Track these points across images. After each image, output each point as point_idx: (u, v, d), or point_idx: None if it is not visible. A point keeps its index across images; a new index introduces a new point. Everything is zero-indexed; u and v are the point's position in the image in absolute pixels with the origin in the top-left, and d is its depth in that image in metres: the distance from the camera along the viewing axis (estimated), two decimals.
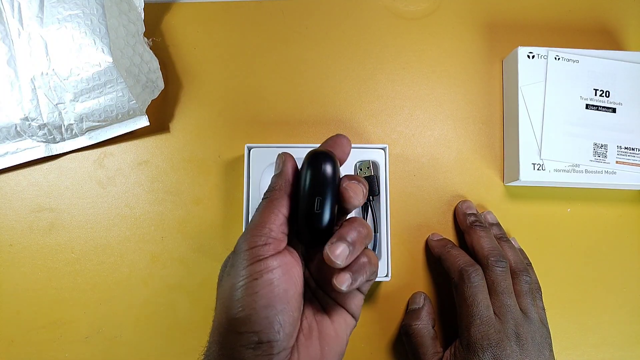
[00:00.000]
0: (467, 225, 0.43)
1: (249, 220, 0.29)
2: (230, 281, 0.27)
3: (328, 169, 0.28)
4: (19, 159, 0.45)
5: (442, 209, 0.46)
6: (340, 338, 0.29)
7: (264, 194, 0.29)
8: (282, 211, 0.28)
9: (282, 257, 0.27)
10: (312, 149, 0.29)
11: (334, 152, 0.29)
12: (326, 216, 0.27)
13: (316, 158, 0.28)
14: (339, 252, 0.26)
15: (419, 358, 0.39)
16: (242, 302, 0.26)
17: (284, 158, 0.30)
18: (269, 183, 0.30)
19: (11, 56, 0.40)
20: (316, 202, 0.27)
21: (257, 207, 0.29)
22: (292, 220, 0.29)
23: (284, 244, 0.28)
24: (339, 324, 0.30)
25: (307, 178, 0.28)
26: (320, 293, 0.31)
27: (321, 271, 0.31)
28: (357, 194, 0.28)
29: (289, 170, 0.29)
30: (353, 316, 0.31)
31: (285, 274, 0.27)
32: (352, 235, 0.27)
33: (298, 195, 0.28)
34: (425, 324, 0.41)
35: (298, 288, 0.28)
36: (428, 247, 0.45)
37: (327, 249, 0.27)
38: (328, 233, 0.28)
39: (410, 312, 0.42)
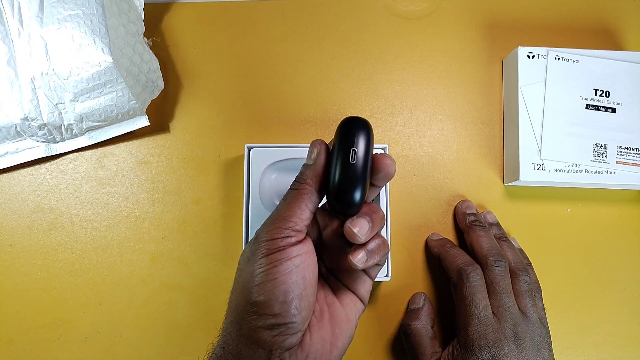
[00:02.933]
0: (466, 224, 0.43)
1: (274, 211, 0.30)
2: (250, 267, 0.28)
3: (364, 130, 0.28)
4: (19, 159, 0.45)
5: (442, 209, 0.46)
6: (350, 321, 0.31)
7: (294, 183, 0.30)
8: (309, 206, 0.29)
9: (301, 245, 0.28)
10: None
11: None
12: (360, 169, 0.27)
13: (352, 121, 0.28)
14: (360, 227, 0.28)
15: (418, 358, 0.39)
16: (261, 288, 0.27)
17: (319, 148, 0.29)
18: (300, 169, 0.30)
19: (11, 56, 0.40)
20: (351, 153, 0.27)
21: (284, 195, 0.29)
22: (323, 188, 0.29)
23: (304, 234, 0.29)
24: (349, 307, 0.31)
25: (343, 136, 0.28)
26: (331, 278, 0.32)
27: (334, 257, 0.32)
28: (393, 163, 0.29)
29: (322, 163, 0.29)
30: (362, 301, 0.32)
31: (303, 261, 0.28)
32: (371, 215, 0.28)
33: (331, 160, 0.28)
34: (424, 324, 0.41)
35: (314, 274, 0.29)
36: (428, 247, 0.45)
37: (348, 223, 0.28)
38: (361, 191, 0.28)
39: (409, 312, 0.42)
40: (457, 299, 0.39)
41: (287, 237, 0.28)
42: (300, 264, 0.28)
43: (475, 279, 0.38)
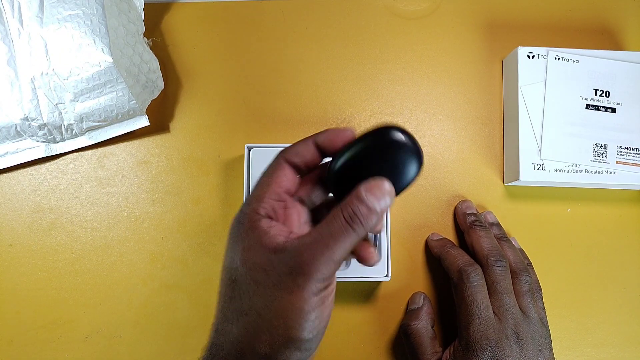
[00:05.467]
0: (467, 225, 0.43)
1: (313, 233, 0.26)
2: (297, 303, 0.25)
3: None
4: (19, 159, 0.45)
5: (442, 209, 0.46)
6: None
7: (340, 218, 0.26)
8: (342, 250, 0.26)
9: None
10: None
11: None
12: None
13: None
14: (375, 256, 0.28)
15: (418, 358, 0.39)
16: (311, 325, 0.25)
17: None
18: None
19: (11, 56, 0.40)
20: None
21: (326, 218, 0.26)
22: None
23: None
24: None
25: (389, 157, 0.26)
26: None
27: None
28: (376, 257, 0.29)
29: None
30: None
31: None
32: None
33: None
34: (424, 324, 0.41)
35: None
36: (428, 247, 0.45)
37: (369, 254, 0.28)
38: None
39: (409, 312, 0.42)
40: (457, 299, 0.39)
41: (332, 273, 0.26)
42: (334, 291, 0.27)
43: (476, 279, 0.38)
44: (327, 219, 0.26)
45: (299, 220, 0.29)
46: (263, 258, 0.26)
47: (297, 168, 0.28)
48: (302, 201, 0.29)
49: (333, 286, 0.27)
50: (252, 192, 0.28)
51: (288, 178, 0.28)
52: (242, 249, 0.26)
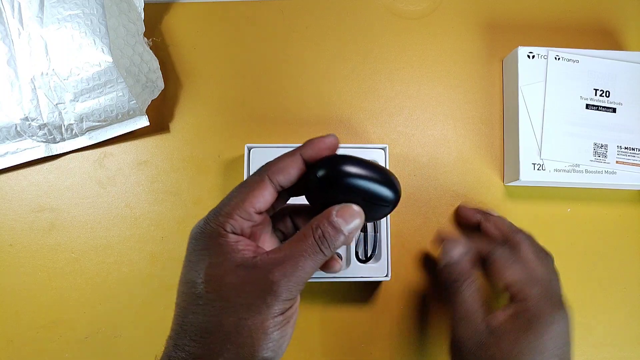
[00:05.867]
0: (481, 215, 0.42)
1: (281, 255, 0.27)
2: (261, 322, 0.25)
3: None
4: (19, 159, 0.45)
5: (442, 209, 0.46)
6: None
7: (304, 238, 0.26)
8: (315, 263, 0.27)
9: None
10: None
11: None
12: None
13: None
14: (338, 265, 0.30)
15: (462, 316, 0.35)
16: (275, 344, 0.25)
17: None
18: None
19: (11, 56, 0.40)
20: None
21: (288, 240, 0.27)
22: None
23: None
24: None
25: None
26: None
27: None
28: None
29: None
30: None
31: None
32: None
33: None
34: (469, 281, 0.37)
35: None
36: (428, 247, 0.44)
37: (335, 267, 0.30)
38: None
39: (447, 267, 0.38)
40: (515, 261, 0.36)
41: (298, 295, 0.26)
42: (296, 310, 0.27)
43: (528, 239, 0.38)
44: (297, 236, 0.26)
45: (263, 232, 0.29)
46: (232, 276, 0.25)
47: (279, 185, 0.28)
48: (266, 210, 0.29)
49: (297, 305, 0.27)
50: (223, 204, 0.28)
51: (265, 199, 0.27)
52: (208, 265, 0.26)
